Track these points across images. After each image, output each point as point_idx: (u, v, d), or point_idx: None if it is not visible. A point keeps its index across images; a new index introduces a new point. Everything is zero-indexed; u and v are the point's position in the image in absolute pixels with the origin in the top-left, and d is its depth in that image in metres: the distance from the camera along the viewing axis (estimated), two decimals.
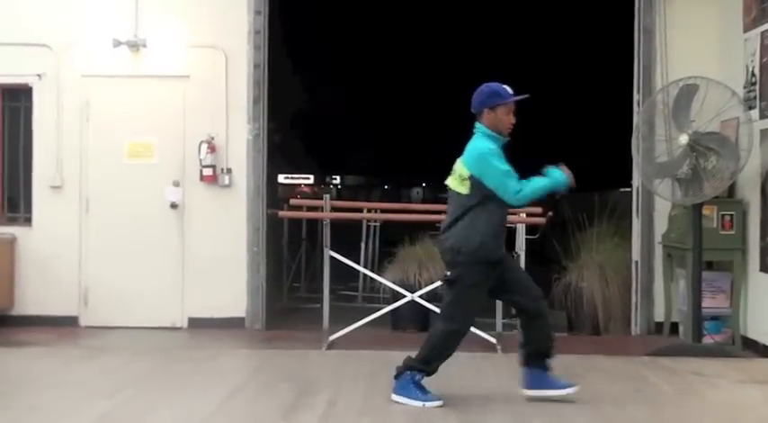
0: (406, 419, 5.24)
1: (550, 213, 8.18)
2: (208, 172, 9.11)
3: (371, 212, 11.57)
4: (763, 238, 7.92)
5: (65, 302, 9.12)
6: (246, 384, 6.26)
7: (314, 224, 11.80)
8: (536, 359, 5.60)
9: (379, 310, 8.54)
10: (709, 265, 8.51)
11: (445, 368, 5.55)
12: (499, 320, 8.09)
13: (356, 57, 20.82)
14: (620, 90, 9.91)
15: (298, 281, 12.05)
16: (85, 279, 9.18)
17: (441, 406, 5.38)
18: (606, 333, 9.01)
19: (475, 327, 8.04)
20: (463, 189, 5.50)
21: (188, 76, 9.21)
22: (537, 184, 5.47)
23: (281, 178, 24.82)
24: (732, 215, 8.26)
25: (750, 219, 8.19)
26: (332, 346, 7.91)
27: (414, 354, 5.54)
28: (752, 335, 8.12)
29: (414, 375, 5.46)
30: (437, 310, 8.39)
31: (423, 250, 9.58)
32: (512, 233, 7.48)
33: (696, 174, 7.53)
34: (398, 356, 5.60)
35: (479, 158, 5.46)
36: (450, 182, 5.64)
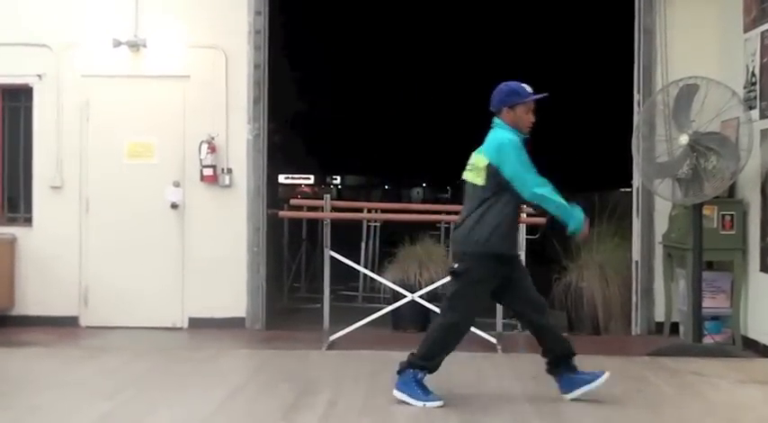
0: (406, 420, 5.24)
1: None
2: (208, 172, 9.11)
3: (372, 212, 11.58)
4: (763, 238, 7.92)
5: (65, 303, 9.12)
6: (247, 384, 6.26)
7: (314, 224, 11.81)
8: (560, 364, 5.59)
9: (379, 310, 8.54)
10: (710, 265, 8.51)
11: (446, 367, 5.55)
12: (499, 320, 8.09)
13: (356, 57, 20.82)
14: (621, 90, 9.91)
15: (298, 281, 12.05)
16: (86, 279, 9.18)
17: (441, 406, 5.38)
18: (606, 333, 9.01)
19: (475, 325, 8.08)
20: (479, 179, 5.48)
21: (188, 77, 9.21)
22: (559, 197, 5.40)
23: (282, 178, 24.81)
24: (732, 215, 8.26)
25: (750, 219, 8.19)
26: (332, 346, 7.91)
27: (416, 350, 5.53)
28: (752, 335, 8.12)
29: (416, 373, 5.45)
30: (438, 310, 8.41)
31: (423, 250, 9.59)
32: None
33: (696, 174, 7.53)
34: (399, 356, 5.60)
35: (500, 147, 5.44)
36: (467, 175, 5.62)
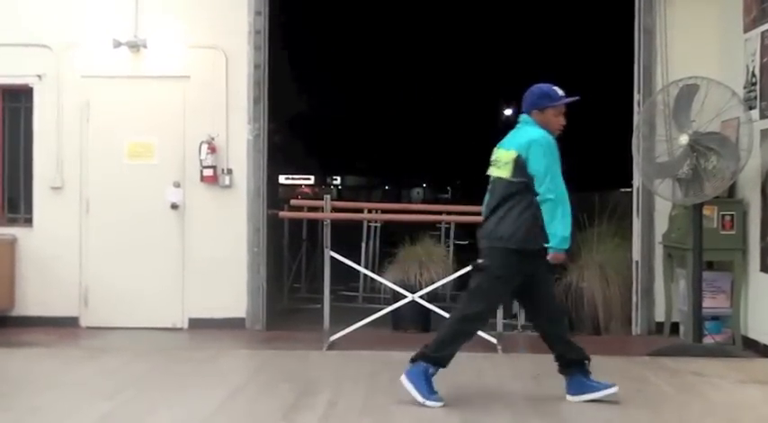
0: (406, 420, 5.24)
1: None
2: (208, 172, 9.11)
3: (372, 213, 11.58)
4: (763, 238, 7.92)
5: (65, 303, 9.12)
6: (247, 385, 6.26)
7: (314, 225, 11.81)
8: (571, 367, 5.59)
9: (379, 310, 8.54)
10: (710, 266, 8.51)
11: (446, 368, 5.54)
12: (500, 320, 8.08)
13: (357, 57, 20.82)
14: (621, 90, 9.91)
15: (298, 281, 12.05)
16: (86, 280, 9.18)
17: (441, 407, 5.37)
18: (607, 333, 9.01)
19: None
20: (505, 173, 5.48)
21: (188, 77, 9.20)
22: (565, 214, 5.34)
23: (282, 179, 24.81)
24: (732, 215, 8.26)
25: (750, 219, 8.18)
26: (332, 346, 7.91)
27: (430, 342, 5.55)
28: (752, 335, 8.12)
29: (428, 367, 5.45)
30: (438, 310, 8.43)
31: (423, 250, 9.60)
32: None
33: (696, 174, 7.52)
34: (399, 357, 5.61)
35: (533, 141, 5.42)
36: (492, 170, 5.62)
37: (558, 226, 5.35)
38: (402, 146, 32.84)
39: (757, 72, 8.01)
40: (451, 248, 11.31)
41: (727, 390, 6.10)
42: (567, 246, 5.40)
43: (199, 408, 5.47)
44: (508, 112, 33.29)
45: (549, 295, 5.73)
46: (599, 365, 5.71)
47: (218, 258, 9.10)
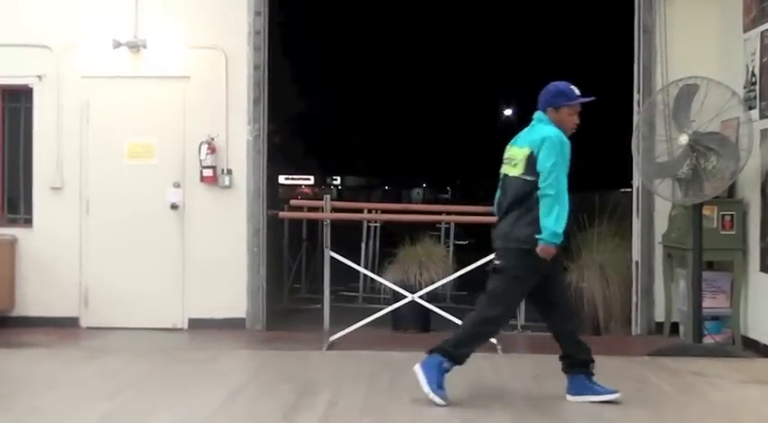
0: (406, 420, 5.24)
1: None
2: (208, 173, 9.11)
3: (372, 213, 11.58)
4: (763, 238, 7.92)
5: (65, 303, 9.12)
6: (247, 385, 6.26)
7: (314, 225, 11.81)
8: (576, 367, 5.59)
9: (379, 310, 8.54)
10: (710, 266, 8.51)
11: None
12: None
13: (356, 58, 20.83)
14: (621, 90, 9.91)
15: (298, 282, 12.05)
16: (86, 280, 9.18)
17: (443, 405, 5.37)
18: (607, 333, 9.01)
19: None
20: (518, 171, 5.47)
21: (188, 77, 9.21)
22: (561, 212, 5.33)
23: (282, 179, 24.82)
24: (732, 215, 8.26)
25: (750, 219, 8.18)
26: (332, 346, 7.91)
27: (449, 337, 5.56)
28: (752, 335, 8.12)
29: (443, 361, 5.45)
30: (438, 310, 8.43)
31: (423, 251, 9.60)
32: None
33: (696, 174, 7.53)
34: (399, 357, 5.62)
35: (546, 138, 5.41)
36: (505, 169, 5.61)
37: (551, 220, 5.33)
38: (402, 146, 32.85)
39: (757, 72, 8.01)
40: (451, 248, 11.32)
41: (727, 390, 6.10)
42: (557, 240, 5.37)
43: (199, 408, 5.47)
44: (508, 112, 33.34)
45: (563, 294, 5.74)
46: (599, 365, 5.70)
47: (218, 259, 9.10)
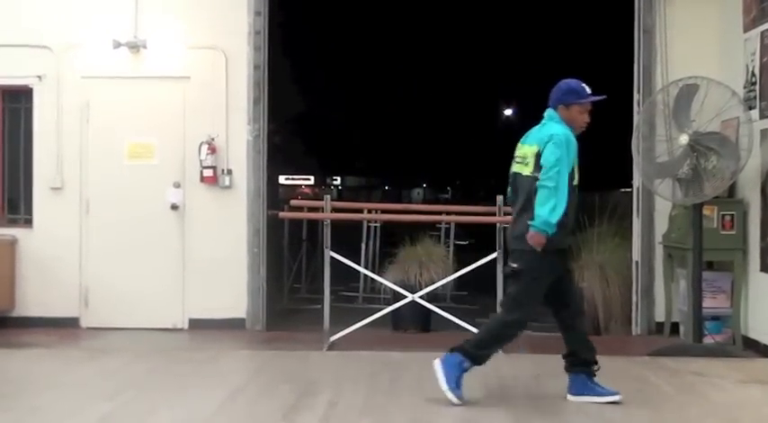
0: (406, 420, 5.24)
1: None
2: (208, 173, 9.11)
3: (372, 213, 11.58)
4: (763, 238, 7.92)
5: (65, 304, 9.12)
6: (247, 385, 6.26)
7: (314, 225, 11.81)
8: (579, 366, 5.59)
9: (379, 310, 8.53)
10: (710, 266, 8.51)
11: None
12: None
13: (356, 58, 20.83)
14: (621, 90, 9.91)
15: (298, 282, 12.05)
16: (86, 280, 9.18)
17: (458, 404, 5.38)
18: (607, 333, 9.01)
19: (477, 327, 8.06)
20: (528, 169, 5.47)
21: (188, 77, 9.21)
22: (556, 205, 5.31)
23: (282, 179, 24.82)
24: (732, 215, 8.26)
25: (750, 219, 8.18)
26: (332, 346, 7.91)
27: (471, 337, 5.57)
28: (753, 335, 8.12)
29: (464, 361, 5.46)
30: (438, 310, 8.43)
31: (423, 251, 9.60)
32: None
33: (696, 174, 7.53)
34: (399, 357, 5.61)
35: (553, 136, 5.41)
36: (516, 167, 5.60)
37: (546, 210, 5.32)
38: (402, 146, 32.86)
39: (757, 72, 8.01)
40: (451, 248, 11.32)
41: (727, 390, 6.10)
42: (549, 230, 5.34)
43: (199, 408, 5.47)
44: (508, 112, 33.34)
45: (574, 291, 5.76)
46: (599, 365, 5.70)
47: (218, 259, 9.10)
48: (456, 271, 8.89)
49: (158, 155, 9.22)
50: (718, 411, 5.61)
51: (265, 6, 9.30)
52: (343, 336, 8.05)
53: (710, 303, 8.14)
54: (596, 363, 5.59)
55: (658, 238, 9.03)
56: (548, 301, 5.71)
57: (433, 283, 8.82)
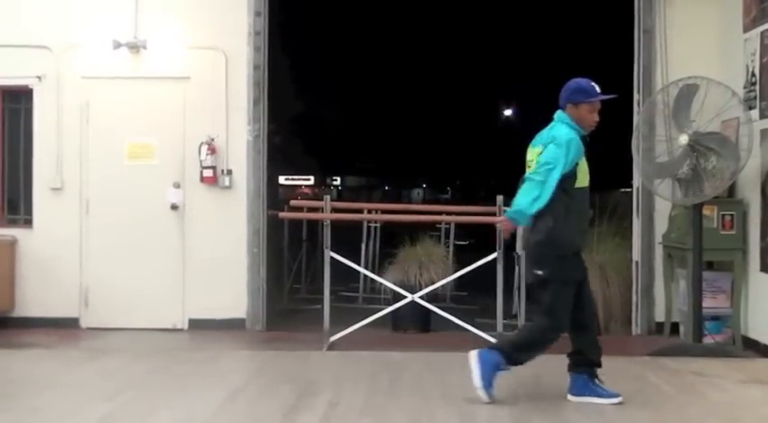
0: (406, 420, 5.24)
1: None
2: (208, 173, 9.11)
3: (372, 213, 11.58)
4: (763, 238, 7.92)
5: (65, 304, 9.12)
6: (247, 385, 6.27)
7: (314, 225, 11.80)
8: (583, 366, 5.59)
9: (379, 310, 8.53)
10: (710, 266, 8.51)
11: (446, 368, 5.54)
12: (500, 321, 8.08)
13: (356, 58, 20.83)
14: (620, 90, 9.90)
15: (298, 282, 12.05)
16: (86, 280, 9.18)
17: (489, 403, 5.38)
18: (607, 333, 8.99)
19: (477, 328, 8.07)
20: None
21: (188, 78, 9.21)
22: (536, 200, 5.35)
23: (282, 179, 24.81)
24: (732, 215, 8.26)
25: (750, 219, 8.18)
26: (332, 347, 7.91)
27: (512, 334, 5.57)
28: (753, 335, 8.12)
29: (501, 361, 5.44)
30: (438, 310, 8.43)
31: (423, 251, 9.60)
32: (512, 233, 7.46)
33: (696, 174, 7.52)
34: (399, 357, 5.61)
35: (556, 137, 5.42)
36: (528, 171, 5.58)
37: (527, 200, 5.34)
38: (402, 146, 32.86)
39: (757, 72, 8.02)
40: (451, 249, 11.31)
41: (727, 390, 6.10)
42: (522, 221, 5.40)
43: (199, 409, 5.48)
44: (508, 112, 33.34)
45: (591, 294, 5.75)
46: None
47: (218, 259, 9.10)
48: (456, 271, 8.89)
49: (158, 155, 9.22)
50: (718, 411, 5.61)
51: (265, 7, 9.30)
52: (343, 336, 8.05)
53: (710, 303, 8.14)
54: (600, 365, 5.59)
55: (658, 238, 9.03)
56: None
57: (433, 283, 8.82)
